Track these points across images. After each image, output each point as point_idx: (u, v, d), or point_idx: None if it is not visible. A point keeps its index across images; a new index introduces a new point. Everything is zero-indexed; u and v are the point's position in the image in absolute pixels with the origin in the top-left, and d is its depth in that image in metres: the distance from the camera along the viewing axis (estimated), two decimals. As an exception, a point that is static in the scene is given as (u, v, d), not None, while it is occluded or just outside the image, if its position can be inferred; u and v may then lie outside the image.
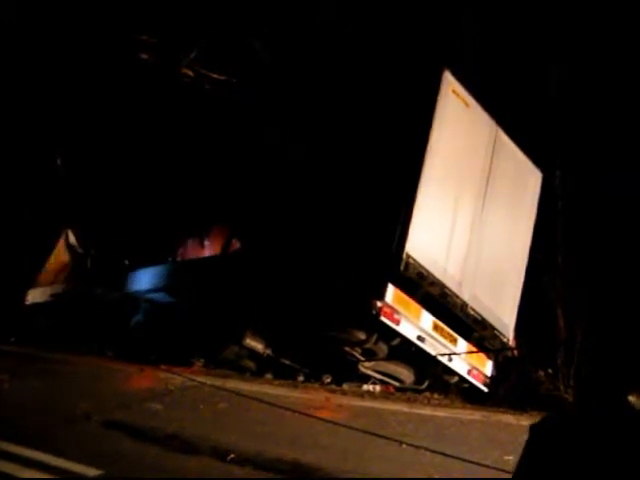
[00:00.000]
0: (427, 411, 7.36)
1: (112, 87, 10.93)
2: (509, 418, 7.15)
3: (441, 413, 7.33)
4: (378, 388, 8.25)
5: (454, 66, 7.81)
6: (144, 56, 11.29)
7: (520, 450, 5.14)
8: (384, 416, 6.88)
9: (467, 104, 7.89)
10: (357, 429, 6.03)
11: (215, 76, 11.18)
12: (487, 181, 8.08)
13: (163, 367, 8.23)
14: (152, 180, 10.42)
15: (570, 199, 9.12)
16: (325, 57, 9.48)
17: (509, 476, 4.71)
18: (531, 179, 8.67)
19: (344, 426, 6.15)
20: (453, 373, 8.12)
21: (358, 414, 6.83)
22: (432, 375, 8.29)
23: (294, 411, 6.58)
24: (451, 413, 7.36)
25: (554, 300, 9.10)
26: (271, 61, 10.19)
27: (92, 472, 4.60)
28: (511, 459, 5.27)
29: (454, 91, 7.73)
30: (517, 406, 7.73)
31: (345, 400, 7.50)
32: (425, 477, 4.99)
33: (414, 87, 7.84)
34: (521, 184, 8.57)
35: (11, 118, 11.28)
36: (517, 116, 8.68)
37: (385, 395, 8.09)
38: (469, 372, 8.14)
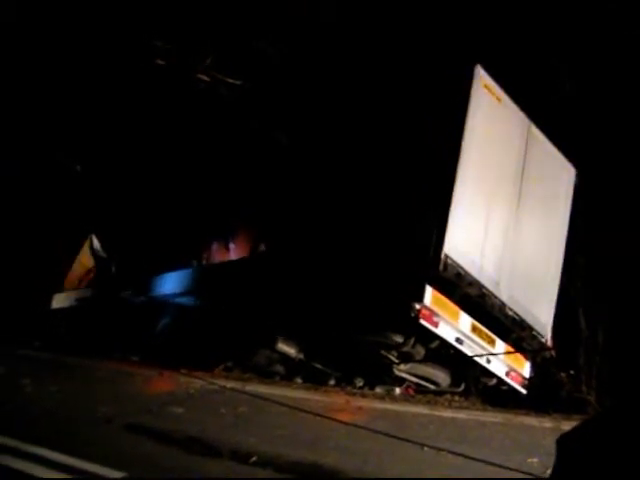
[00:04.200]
0: (448, 413, 7.31)
1: (134, 93, 11.02)
2: (531, 420, 7.08)
3: (462, 415, 7.28)
4: (398, 391, 8.22)
5: (483, 61, 7.71)
6: (160, 62, 11.38)
7: (544, 453, 5.08)
8: (405, 418, 6.85)
9: (499, 99, 7.80)
10: (378, 431, 6.01)
11: (230, 81, 11.25)
12: (521, 178, 8.00)
13: (183, 371, 8.27)
14: (175, 184, 10.49)
15: (591, 198, 9.02)
16: (350, 55, 9.43)
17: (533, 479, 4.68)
18: (564, 174, 8.57)
19: (364, 428, 6.14)
20: (491, 375, 8.04)
21: (378, 416, 6.80)
22: (470, 377, 8.23)
23: (314, 414, 6.57)
24: (472, 415, 7.30)
25: (575, 301, 9.00)
26: (283, 63, 10.20)
27: (115, 474, 4.63)
28: (535, 461, 5.22)
29: (486, 86, 7.64)
30: (539, 408, 7.65)
31: (365, 402, 7.48)
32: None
33: (445, 84, 7.76)
34: (555, 180, 8.46)
35: (27, 123, 11.40)
36: (543, 111, 8.60)
37: (405, 397, 8.06)
38: (507, 374, 8.07)
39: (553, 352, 8.49)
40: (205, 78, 11.33)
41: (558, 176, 8.51)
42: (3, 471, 4.63)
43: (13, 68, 11.09)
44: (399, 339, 7.56)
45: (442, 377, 8.14)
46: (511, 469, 5.13)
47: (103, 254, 11.00)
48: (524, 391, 8.22)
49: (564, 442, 1.88)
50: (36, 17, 10.83)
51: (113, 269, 10.83)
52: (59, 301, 10.87)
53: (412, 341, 7.58)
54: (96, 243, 11.04)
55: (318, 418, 6.50)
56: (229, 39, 10.76)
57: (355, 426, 6.22)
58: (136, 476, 4.72)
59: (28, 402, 6.61)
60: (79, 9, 10.63)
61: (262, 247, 8.95)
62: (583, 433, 1.94)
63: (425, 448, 5.66)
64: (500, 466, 5.16)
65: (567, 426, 2.40)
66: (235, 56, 10.91)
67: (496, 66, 7.95)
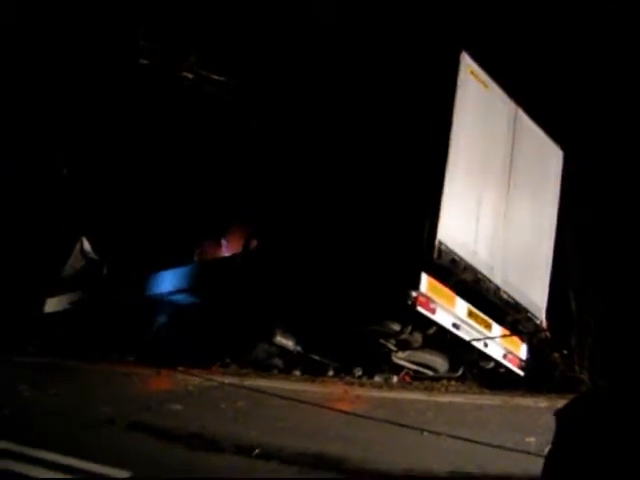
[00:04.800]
0: (445, 398, 7.41)
1: (122, 93, 10.99)
2: (527, 401, 7.18)
3: (459, 399, 7.38)
4: (396, 379, 8.31)
5: (468, 46, 7.75)
6: (144, 61, 11.34)
7: (540, 432, 5.18)
8: (403, 405, 6.93)
9: (486, 85, 7.87)
10: (377, 419, 6.09)
11: (215, 77, 11.23)
12: (510, 162, 8.10)
13: (180, 369, 8.30)
14: (165, 183, 10.47)
15: (581, 180, 9.11)
16: (338, 48, 9.44)
17: (531, 458, 4.78)
18: (553, 157, 8.67)
19: (364, 417, 6.21)
20: (489, 359, 8.15)
21: (377, 405, 6.88)
22: (467, 362, 8.32)
23: (313, 405, 6.64)
24: (469, 399, 7.41)
25: (567, 283, 9.12)
26: (276, 60, 10.20)
27: (121, 474, 4.67)
28: (532, 441, 5.32)
29: (472, 72, 7.70)
30: (534, 389, 7.77)
31: (363, 391, 7.55)
32: (448, 463, 5.03)
33: (432, 72, 7.80)
34: (543, 163, 8.56)
35: (17, 124, 11.34)
36: (534, 93, 8.65)
37: (402, 385, 8.15)
38: (505, 356, 8.19)
39: (548, 333, 8.61)
40: (189, 75, 11.31)
41: (547, 159, 8.61)
42: (7, 476, 4.65)
43: (13, 68, 11.02)
44: (396, 327, 7.62)
45: (440, 363, 8.23)
46: (509, 449, 5.23)
47: (94, 256, 10.97)
48: (521, 373, 8.34)
49: (563, 414, 1.94)
50: (36, 17, 10.76)
51: (105, 271, 10.81)
52: (52, 305, 10.84)
53: (409, 328, 7.65)
54: (87, 245, 11.00)
55: (318, 409, 6.56)
56: (213, 36, 10.75)
57: (355, 415, 6.30)
58: (142, 475, 4.76)
59: (27, 406, 6.61)
60: (77, 9, 10.59)
61: (255, 242, 8.96)
62: (581, 405, 2.01)
63: (425, 433, 5.75)
64: (498, 446, 5.25)
65: (562, 405, 2.47)
66: (219, 53, 10.90)
67: (481, 50, 8.00)
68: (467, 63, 7.67)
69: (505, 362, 8.24)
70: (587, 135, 9.04)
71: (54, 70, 11.02)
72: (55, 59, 10.90)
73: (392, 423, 5.98)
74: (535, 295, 8.39)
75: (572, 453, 1.81)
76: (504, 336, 8.08)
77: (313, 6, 9.81)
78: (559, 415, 1.98)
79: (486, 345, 7.96)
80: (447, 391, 7.91)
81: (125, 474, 4.66)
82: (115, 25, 10.67)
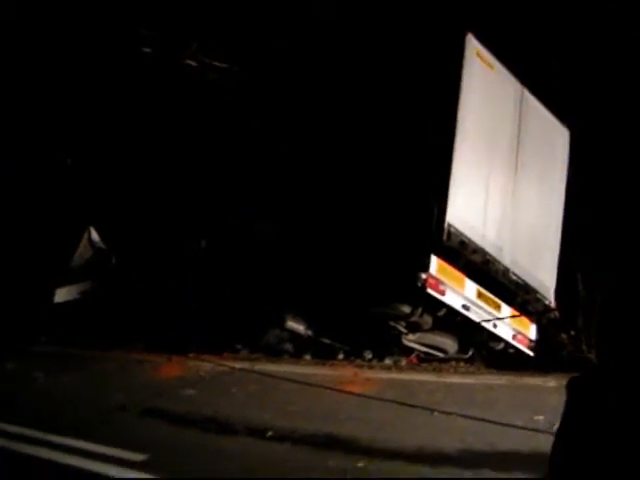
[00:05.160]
0: (454, 379, 7.48)
1: (127, 84, 11.00)
2: (536, 380, 7.25)
3: (468, 380, 7.45)
4: (404, 361, 8.38)
5: (474, 28, 7.74)
6: (147, 50, 11.33)
7: (549, 410, 5.24)
8: (413, 387, 7.01)
9: (492, 66, 7.88)
10: (388, 400, 6.17)
11: (217, 64, 11.22)
12: (517, 144, 8.13)
13: (191, 355, 8.39)
14: (172, 171, 10.51)
15: (589, 160, 9.10)
16: (339, 45, 9.43)
17: (540, 435, 4.84)
18: (559, 137, 8.68)
19: (374, 398, 6.29)
20: (498, 339, 8.20)
21: (387, 386, 6.96)
22: (477, 343, 8.38)
23: (324, 387, 6.72)
24: (478, 380, 7.48)
25: (574, 264, 9.14)
26: (279, 55, 10.18)
27: (138, 457, 4.76)
28: (541, 419, 5.38)
29: (478, 54, 7.71)
30: (542, 368, 7.82)
31: (373, 373, 7.63)
32: (458, 441, 5.10)
33: (437, 54, 7.78)
34: (550, 143, 8.59)
35: (17, 123, 11.38)
36: (539, 73, 8.64)
37: (412, 367, 8.21)
38: (514, 337, 8.25)
39: (557, 314, 8.65)
40: (193, 63, 11.30)
41: (553, 140, 8.62)
42: (27, 460, 4.75)
43: (13, 68, 11.03)
44: (407, 309, 7.70)
45: (450, 344, 8.29)
46: (518, 427, 5.29)
47: (102, 245, 11.03)
48: (531, 353, 8.40)
49: (574, 387, 1.98)
50: (36, 17, 10.76)
51: (113, 260, 10.88)
52: (62, 295, 10.93)
53: (419, 310, 7.72)
54: (95, 235, 11.06)
55: (328, 391, 6.64)
56: (214, 25, 10.72)
57: (365, 397, 6.37)
58: (157, 458, 4.85)
59: (42, 394, 6.72)
60: (77, 9, 10.58)
61: (262, 226, 9.01)
62: (593, 378, 2.05)
63: (435, 413, 5.82)
64: (508, 425, 5.32)
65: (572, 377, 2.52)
66: (221, 41, 10.88)
67: (486, 31, 7.97)
68: (473, 45, 7.69)
69: (515, 343, 8.30)
70: (587, 135, 9.03)
71: (54, 69, 11.02)
72: (55, 58, 10.89)
73: (402, 404, 6.05)
74: (544, 276, 8.44)
75: (583, 426, 1.85)
76: (513, 317, 8.14)
77: (313, 6, 9.78)
78: (570, 387, 2.01)
79: (495, 326, 8.02)
80: (456, 372, 7.98)
81: (141, 457, 4.75)
82: (116, 14, 10.65)
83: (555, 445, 1.93)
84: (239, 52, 10.72)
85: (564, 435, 1.96)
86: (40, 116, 11.34)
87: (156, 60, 11.02)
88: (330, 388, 6.70)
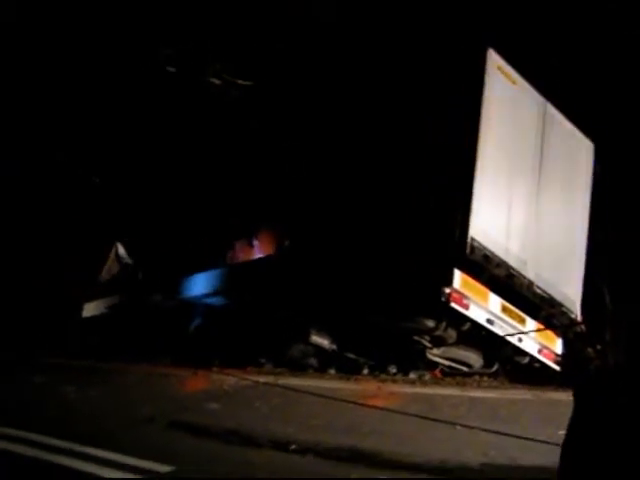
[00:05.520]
0: (478, 393, 7.46)
1: (152, 101, 11.22)
2: (560, 395, 7.18)
3: (492, 394, 7.42)
4: (428, 375, 8.37)
5: (495, 43, 7.78)
6: (171, 69, 11.58)
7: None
8: (436, 401, 7.01)
9: (513, 81, 7.89)
10: (411, 414, 6.18)
11: (241, 82, 11.41)
12: (540, 157, 8.11)
13: (215, 369, 8.49)
14: (196, 186, 10.68)
15: (613, 172, 9.05)
16: (363, 44, 9.50)
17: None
18: (583, 150, 8.65)
19: (398, 412, 6.31)
20: (524, 354, 8.16)
21: (410, 400, 6.97)
22: (502, 357, 8.34)
23: (348, 402, 6.75)
24: (502, 394, 7.45)
25: (599, 277, 9.06)
26: (291, 61, 10.30)
27: (163, 468, 4.86)
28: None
29: (499, 69, 7.74)
30: (567, 383, 7.76)
31: (396, 388, 7.64)
32: (481, 455, 5.11)
33: (458, 70, 7.83)
34: (573, 156, 8.54)
35: (17, 123, 11.50)
36: (562, 87, 8.64)
37: (435, 381, 8.21)
38: (540, 351, 8.17)
39: (583, 327, 8.56)
40: (216, 81, 11.52)
41: (577, 153, 8.58)
42: (59, 470, 4.88)
43: (13, 68, 11.24)
44: (431, 324, 7.69)
45: (475, 359, 8.26)
46: (542, 441, 5.27)
47: (129, 260, 11.24)
48: (557, 367, 8.32)
49: (582, 389, 2.02)
50: (36, 17, 10.95)
51: (140, 275, 11.07)
52: (90, 309, 11.14)
53: (444, 325, 7.70)
54: (121, 250, 11.28)
55: (351, 405, 6.67)
56: (236, 40, 10.91)
57: (388, 410, 6.40)
58: (183, 469, 4.94)
59: (73, 407, 6.88)
60: (80, 11, 10.76)
61: (287, 242, 9.10)
62: (601, 379, 2.08)
63: (457, 427, 5.82)
64: (531, 439, 5.30)
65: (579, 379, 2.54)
66: (243, 57, 11.07)
67: (506, 47, 8.01)
68: (494, 59, 7.71)
69: (540, 357, 8.22)
70: (609, 147, 9.00)
71: (55, 70, 11.18)
72: (56, 59, 11.05)
73: (425, 418, 6.06)
74: (569, 289, 8.37)
75: (592, 427, 1.89)
76: (538, 330, 8.07)
77: (313, 6, 9.88)
78: (579, 389, 2.05)
79: (520, 340, 7.96)
80: (479, 386, 7.95)
81: (167, 468, 4.85)
82: (137, 35, 10.88)
83: (566, 446, 1.96)
84: (257, 65, 10.88)
85: (574, 436, 1.98)
86: (44, 120, 11.46)
87: (180, 79, 11.24)
88: (353, 402, 6.74)
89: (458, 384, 7.99)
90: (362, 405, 6.66)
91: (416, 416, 6.12)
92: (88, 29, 10.81)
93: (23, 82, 11.28)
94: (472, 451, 5.23)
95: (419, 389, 7.71)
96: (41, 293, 11.21)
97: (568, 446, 1.95)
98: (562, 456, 1.95)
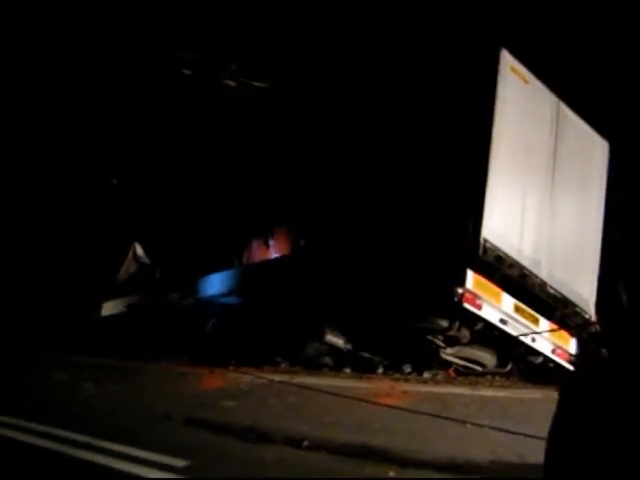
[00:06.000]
0: (489, 392, 7.51)
1: (168, 102, 11.35)
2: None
3: (503, 394, 7.48)
4: (441, 375, 8.45)
5: (507, 42, 7.78)
6: (187, 72, 11.73)
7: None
8: (447, 400, 7.08)
9: (526, 81, 7.90)
10: (422, 412, 6.28)
11: (257, 84, 11.54)
12: (554, 156, 8.11)
13: (232, 368, 8.64)
14: (213, 186, 10.81)
15: (629, 171, 9.03)
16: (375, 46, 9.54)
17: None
18: (597, 150, 8.63)
19: (409, 410, 6.40)
20: (537, 353, 8.18)
21: (422, 399, 7.05)
22: (515, 357, 8.37)
23: (361, 400, 6.86)
24: (512, 393, 7.50)
25: (615, 276, 9.05)
26: (303, 63, 10.37)
27: (180, 463, 5.01)
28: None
29: (512, 69, 7.75)
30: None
31: (409, 387, 7.72)
32: (489, 452, 5.19)
33: (471, 70, 7.86)
34: (588, 156, 8.53)
35: (17, 123, 11.59)
36: (577, 85, 8.65)
37: (447, 380, 8.29)
38: (553, 351, 8.18)
39: (598, 327, 8.56)
40: (232, 83, 11.66)
41: (591, 152, 8.56)
42: (78, 463, 5.06)
43: (13, 68, 11.37)
44: (444, 324, 7.74)
45: (488, 358, 8.30)
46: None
47: (147, 260, 11.41)
48: (571, 367, 8.33)
49: (568, 382, 2.08)
50: (36, 17, 11.07)
51: (157, 274, 11.24)
52: (108, 309, 11.34)
53: (457, 325, 7.75)
54: (139, 250, 11.45)
55: (364, 403, 6.78)
56: (250, 42, 11.01)
57: (400, 409, 6.49)
58: (198, 464, 5.09)
59: (93, 403, 7.06)
60: (83, 12, 10.87)
61: (302, 242, 9.20)
62: (587, 374, 2.14)
63: (468, 425, 5.91)
64: (541, 438, 5.35)
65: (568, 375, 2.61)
66: (259, 58, 11.17)
67: (519, 46, 8.03)
68: (507, 60, 7.73)
69: (554, 357, 8.24)
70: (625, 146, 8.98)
71: (56, 70, 11.28)
72: (57, 59, 11.14)
73: (436, 416, 6.15)
74: (583, 289, 8.37)
75: (577, 418, 1.94)
76: (551, 331, 8.09)
77: (313, 6, 9.93)
78: (565, 382, 2.11)
79: (534, 340, 7.99)
80: (491, 386, 8.00)
81: (182, 463, 5.00)
82: (153, 38, 10.99)
83: (551, 442, 2.02)
84: (275, 68, 10.96)
85: (563, 429, 2.04)
86: (44, 120, 11.55)
87: (196, 81, 11.37)
88: (366, 400, 6.84)
89: (470, 383, 8.05)
90: (374, 403, 6.76)
91: (427, 414, 6.21)
92: (91, 30, 10.92)
93: (23, 82, 11.41)
94: (481, 449, 5.32)
95: (431, 388, 7.79)
96: (41, 293, 11.35)
97: (553, 437, 2.04)
98: (547, 446, 2.04)
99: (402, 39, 9.26)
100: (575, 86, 8.68)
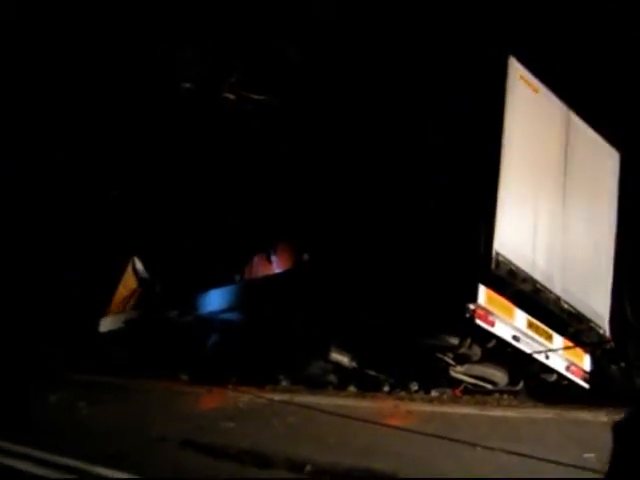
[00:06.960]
0: (498, 412, 7.25)
1: (167, 116, 11.28)
2: (585, 415, 6.97)
3: (513, 414, 7.22)
4: (448, 393, 8.19)
5: (516, 50, 7.67)
6: (187, 85, 11.65)
7: (601, 447, 5.02)
8: (455, 420, 6.85)
9: (536, 90, 7.76)
10: (429, 434, 6.02)
11: (256, 97, 11.45)
12: (565, 168, 7.95)
13: (231, 386, 8.39)
14: (214, 201, 10.68)
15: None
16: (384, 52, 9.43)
17: (590, 474, 4.63)
18: (609, 160, 8.47)
19: (415, 432, 6.14)
20: (551, 371, 7.95)
21: (429, 419, 6.82)
22: (528, 375, 8.13)
23: (364, 421, 6.60)
24: (523, 413, 7.24)
25: (622, 291, 8.85)
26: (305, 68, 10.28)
27: (175, 489, 4.76)
28: (592, 456, 5.15)
29: (522, 77, 7.61)
30: (592, 402, 7.53)
31: (414, 406, 7.48)
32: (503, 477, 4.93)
33: (480, 79, 7.72)
34: (599, 167, 8.37)
35: (27, 123, 11.54)
36: (586, 94, 8.52)
37: (453, 399, 8.03)
38: (567, 368, 7.97)
39: (612, 344, 8.33)
40: (231, 96, 11.56)
41: (602, 163, 8.41)
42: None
43: (13, 68, 11.32)
44: (455, 341, 7.51)
45: (500, 376, 8.07)
46: (567, 465, 5.08)
47: (146, 275, 11.23)
48: (586, 385, 8.09)
49: (621, 428, 1.88)
50: (36, 17, 11.03)
51: (157, 289, 11.05)
52: (107, 325, 11.13)
53: (468, 342, 7.53)
54: (139, 265, 11.27)
55: (369, 424, 6.52)
56: (250, 42, 10.92)
57: (406, 430, 6.24)
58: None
59: (85, 424, 6.81)
60: (82, 14, 10.84)
61: (305, 257, 9.00)
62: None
63: (478, 448, 5.64)
64: (555, 462, 5.11)
65: (620, 418, 2.41)
66: (259, 61, 11.08)
67: (527, 55, 7.90)
68: (516, 68, 7.60)
69: (568, 374, 8.01)
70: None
71: (56, 71, 11.23)
72: (57, 60, 11.10)
73: (444, 438, 5.89)
74: (597, 304, 8.15)
75: (632, 470, 1.75)
76: (566, 348, 7.87)
77: (313, 6, 9.87)
78: (617, 430, 1.91)
79: (547, 357, 7.76)
80: (500, 405, 7.74)
81: (179, 489, 4.74)
82: (152, 49, 10.94)
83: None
84: (275, 79, 10.87)
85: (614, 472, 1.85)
86: (44, 120, 11.50)
87: (195, 94, 11.28)
88: (370, 421, 6.59)
89: (477, 403, 7.79)
90: (379, 424, 6.50)
91: (434, 436, 5.95)
92: (92, 32, 10.88)
93: (23, 82, 11.37)
94: (492, 473, 5.06)
95: (438, 407, 7.54)
96: (41, 293, 11.17)
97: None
98: None
99: (402, 39, 9.15)
100: (584, 95, 8.52)
